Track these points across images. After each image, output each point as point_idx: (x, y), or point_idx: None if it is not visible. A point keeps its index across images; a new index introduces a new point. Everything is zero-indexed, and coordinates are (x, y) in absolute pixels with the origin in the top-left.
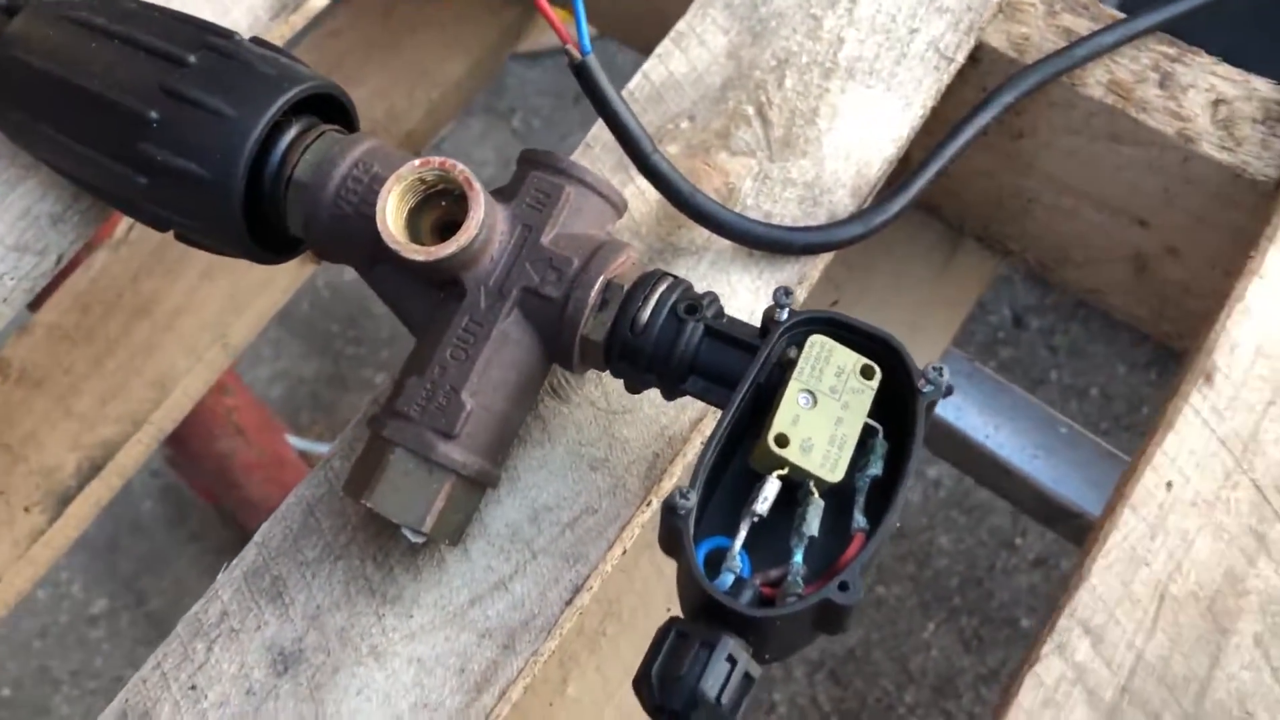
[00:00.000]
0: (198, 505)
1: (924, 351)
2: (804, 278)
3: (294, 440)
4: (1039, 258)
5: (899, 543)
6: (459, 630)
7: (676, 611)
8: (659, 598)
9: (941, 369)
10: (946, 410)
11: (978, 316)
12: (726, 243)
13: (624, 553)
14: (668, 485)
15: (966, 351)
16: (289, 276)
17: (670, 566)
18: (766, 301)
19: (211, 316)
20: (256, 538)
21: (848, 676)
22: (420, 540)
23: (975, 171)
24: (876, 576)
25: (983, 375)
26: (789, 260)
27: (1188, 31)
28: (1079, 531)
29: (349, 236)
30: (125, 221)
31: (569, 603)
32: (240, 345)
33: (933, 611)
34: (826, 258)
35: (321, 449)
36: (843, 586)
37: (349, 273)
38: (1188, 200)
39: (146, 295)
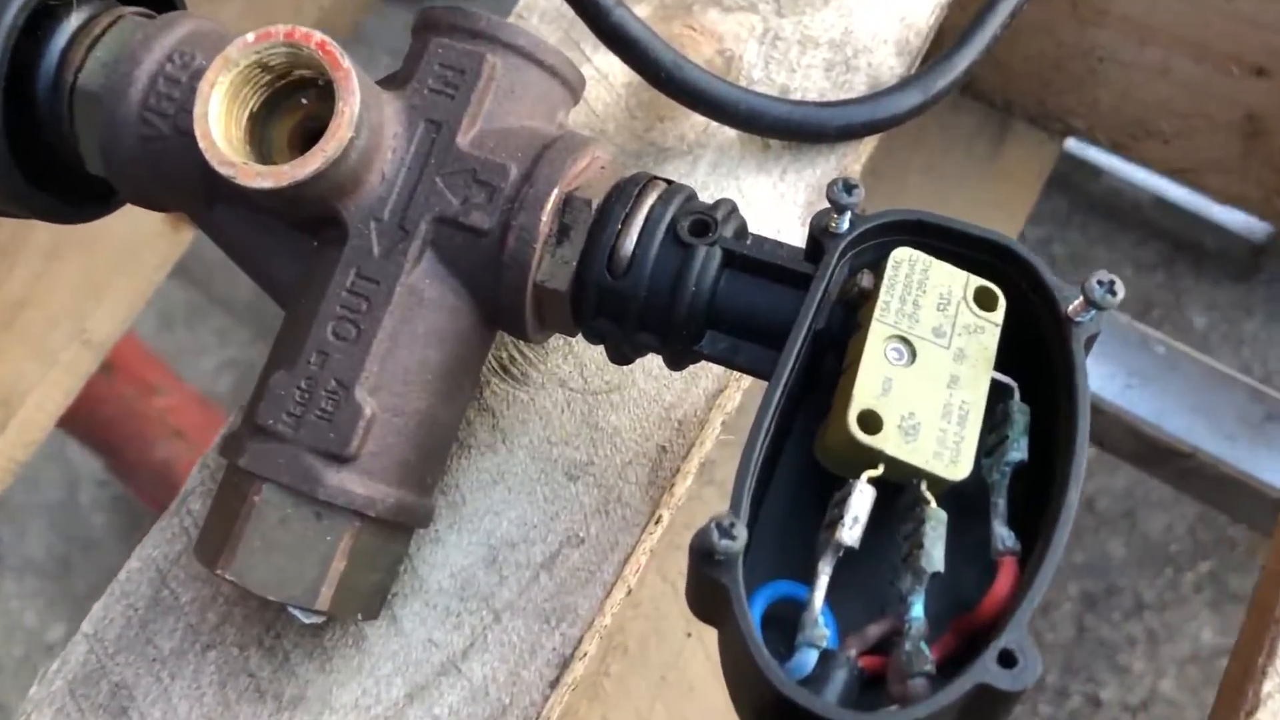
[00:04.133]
0: (152, 514)
1: None
2: (844, 173)
3: None
4: (1112, 135)
5: None
6: None
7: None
8: (674, 619)
9: (1112, 282)
10: None
11: None
12: (730, 134)
13: (628, 594)
14: (681, 490)
15: None
16: (162, 245)
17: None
18: (793, 214)
19: (64, 307)
20: (85, 626)
21: None
22: (317, 620)
23: (1027, 28)
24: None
25: None
26: (821, 151)
27: None
28: (1186, 474)
29: (168, 166)
30: None
31: (554, 682)
32: (107, 341)
33: None
34: (872, 143)
35: None
36: (1005, 659)
37: None
38: None
39: None
